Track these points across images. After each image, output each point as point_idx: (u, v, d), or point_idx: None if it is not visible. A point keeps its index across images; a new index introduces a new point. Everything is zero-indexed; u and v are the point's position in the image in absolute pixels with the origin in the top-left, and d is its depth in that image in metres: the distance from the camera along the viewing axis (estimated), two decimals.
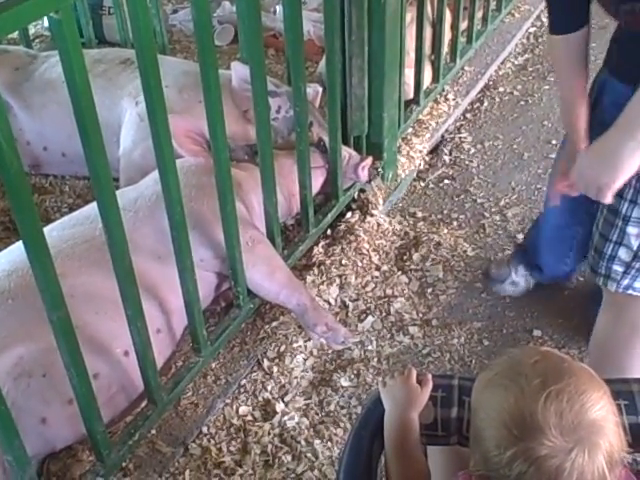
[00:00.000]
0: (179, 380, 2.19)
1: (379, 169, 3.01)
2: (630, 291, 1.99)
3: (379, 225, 2.94)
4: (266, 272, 2.38)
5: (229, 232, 2.19)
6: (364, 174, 2.82)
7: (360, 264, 2.78)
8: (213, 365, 2.40)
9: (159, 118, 1.79)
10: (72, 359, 1.73)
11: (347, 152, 2.81)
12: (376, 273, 2.79)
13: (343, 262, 2.74)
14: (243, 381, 2.39)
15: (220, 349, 2.39)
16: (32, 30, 4.26)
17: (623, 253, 1.95)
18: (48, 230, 2.12)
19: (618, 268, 1.97)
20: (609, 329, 2.12)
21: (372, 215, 2.93)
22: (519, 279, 2.70)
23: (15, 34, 3.90)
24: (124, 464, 2.08)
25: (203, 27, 1.86)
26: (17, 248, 2.17)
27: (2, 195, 2.98)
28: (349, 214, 2.93)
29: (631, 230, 1.91)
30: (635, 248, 1.93)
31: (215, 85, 1.94)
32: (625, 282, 1.98)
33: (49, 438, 1.98)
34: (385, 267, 2.82)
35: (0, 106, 1.41)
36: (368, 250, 2.83)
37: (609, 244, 1.96)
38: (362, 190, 2.99)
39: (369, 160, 2.83)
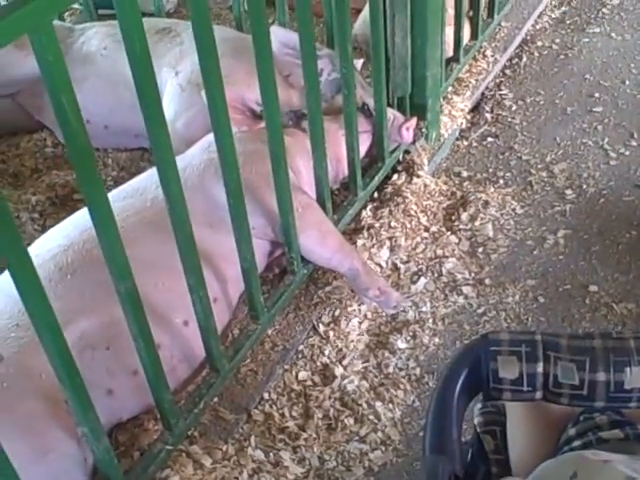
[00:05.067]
0: (239, 348, 2.19)
1: (423, 129, 2.97)
2: None
3: (426, 186, 2.90)
4: (317, 237, 2.37)
5: (282, 198, 2.17)
6: (409, 135, 2.78)
7: (409, 226, 2.75)
8: (269, 332, 2.40)
9: (214, 85, 1.77)
10: (140, 330, 1.74)
11: (391, 113, 2.77)
12: (425, 234, 2.77)
13: (392, 224, 2.71)
14: (300, 347, 2.40)
15: (276, 316, 2.39)
16: None
17: None
18: None
19: None
20: None
21: (418, 176, 2.89)
22: None
23: None
24: (190, 432, 2.09)
25: None
26: (70, 223, 2.18)
27: (47, 170, 2.99)
28: (395, 176, 2.89)
29: None
30: None
31: (267, 52, 1.92)
32: None
33: (116, 409, 2.00)
34: (434, 228, 2.79)
35: (68, 83, 1.41)
36: (416, 211, 2.80)
37: None
38: (406, 152, 2.95)
39: (414, 121, 2.79)
